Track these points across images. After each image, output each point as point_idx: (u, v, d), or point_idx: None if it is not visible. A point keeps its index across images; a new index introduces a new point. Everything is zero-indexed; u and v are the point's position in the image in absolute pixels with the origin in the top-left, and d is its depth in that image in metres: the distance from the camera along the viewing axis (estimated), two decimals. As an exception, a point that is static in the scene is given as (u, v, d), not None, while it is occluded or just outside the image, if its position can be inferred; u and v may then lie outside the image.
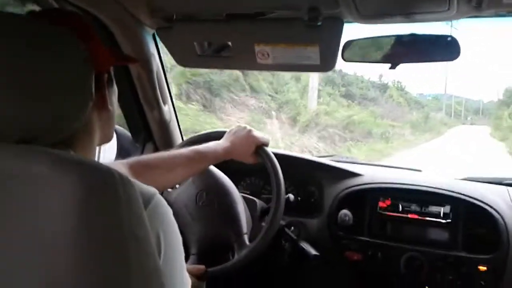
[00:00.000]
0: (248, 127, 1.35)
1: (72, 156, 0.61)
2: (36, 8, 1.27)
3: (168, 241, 0.66)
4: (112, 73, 0.82)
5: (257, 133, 1.34)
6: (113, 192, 0.56)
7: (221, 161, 1.28)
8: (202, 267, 1.13)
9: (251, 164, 1.35)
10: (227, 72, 9.58)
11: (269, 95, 11.80)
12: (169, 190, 1.43)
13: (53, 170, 0.55)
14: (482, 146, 16.19)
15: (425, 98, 32.91)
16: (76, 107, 0.66)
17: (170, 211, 0.70)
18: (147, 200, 0.64)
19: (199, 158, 1.22)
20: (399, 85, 24.75)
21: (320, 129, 11.67)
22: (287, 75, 12.49)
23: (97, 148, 0.82)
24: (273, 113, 11.21)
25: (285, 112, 11.81)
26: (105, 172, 0.57)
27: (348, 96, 17.26)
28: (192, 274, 0.99)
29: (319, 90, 14.25)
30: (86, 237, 0.53)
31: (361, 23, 1.17)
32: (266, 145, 1.35)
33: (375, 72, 24.10)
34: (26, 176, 0.55)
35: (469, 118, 38.29)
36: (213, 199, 1.37)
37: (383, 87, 22.60)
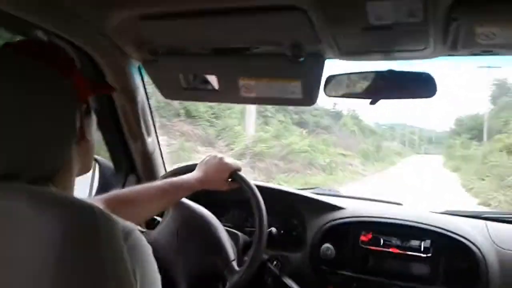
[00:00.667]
0: (220, 155, 1.36)
1: (52, 193, 0.60)
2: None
3: (144, 279, 0.65)
4: (89, 102, 0.81)
5: (228, 159, 1.35)
6: (94, 230, 0.56)
7: (195, 191, 1.28)
8: None
9: (229, 193, 1.36)
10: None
11: (207, 121, 11.29)
12: (146, 230, 1.41)
13: (33, 208, 0.55)
14: (435, 177, 16.26)
15: (381, 127, 33.65)
16: (61, 142, 0.67)
17: (149, 249, 0.69)
18: (126, 235, 0.63)
19: (173, 190, 1.23)
20: (354, 114, 25.21)
21: (255, 159, 11.15)
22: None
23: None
24: (213, 140, 10.82)
25: (224, 139, 11.31)
26: (86, 209, 0.57)
27: (300, 124, 17.06)
28: None
29: (268, 117, 13.95)
30: (66, 277, 0.52)
31: (342, 59, 1.21)
32: (239, 170, 1.35)
33: (329, 100, 24.54)
34: (6, 214, 0.55)
35: (423, 148, 39.03)
36: (194, 232, 1.35)
37: (338, 115, 22.93)
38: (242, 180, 1.34)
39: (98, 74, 1.40)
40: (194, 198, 1.38)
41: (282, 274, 1.45)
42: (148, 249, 0.69)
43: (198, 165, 1.34)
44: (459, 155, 20.77)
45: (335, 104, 22.99)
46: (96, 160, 1.72)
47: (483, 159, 15.62)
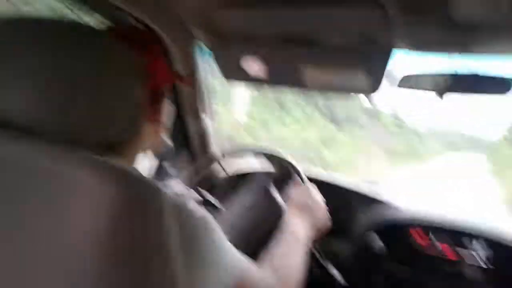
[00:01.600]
0: None
1: (116, 165, 0.60)
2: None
3: (199, 249, 0.67)
4: (165, 88, 0.85)
5: None
6: (157, 206, 0.57)
7: None
8: None
9: None
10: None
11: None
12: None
13: (93, 176, 0.55)
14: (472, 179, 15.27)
15: (426, 131, 32.26)
16: (126, 116, 0.69)
17: (203, 219, 0.70)
18: (180, 208, 0.65)
19: None
20: (395, 114, 24.18)
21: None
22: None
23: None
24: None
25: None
26: (148, 183, 0.58)
27: (332, 119, 16.66)
28: None
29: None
30: (114, 248, 0.53)
31: (413, 51, 1.16)
32: None
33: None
34: (64, 179, 0.56)
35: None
36: None
37: (376, 113, 21.88)
38: (288, 163, 1.37)
39: (166, 56, 1.43)
40: None
41: (327, 263, 1.44)
42: (203, 220, 0.69)
43: None
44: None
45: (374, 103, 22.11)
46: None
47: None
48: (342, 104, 18.08)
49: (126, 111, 0.68)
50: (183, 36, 1.39)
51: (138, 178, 0.58)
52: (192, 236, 0.66)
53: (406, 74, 1.19)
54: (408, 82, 1.19)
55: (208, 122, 1.75)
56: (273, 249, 1.03)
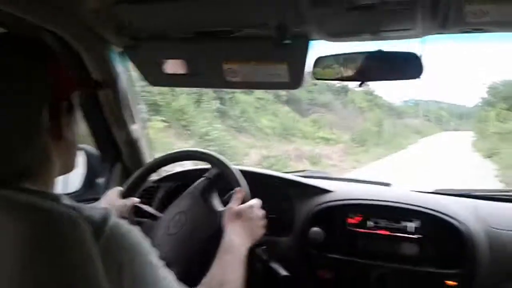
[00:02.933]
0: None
1: (16, 197, 0.60)
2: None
3: (133, 261, 0.65)
4: (72, 99, 0.77)
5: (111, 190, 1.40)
6: (59, 235, 0.57)
7: None
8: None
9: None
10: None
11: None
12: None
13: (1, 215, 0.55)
14: (461, 160, 12.51)
15: (403, 104, 29.78)
16: (27, 142, 0.65)
17: (131, 230, 0.68)
18: (100, 229, 0.62)
19: None
20: (368, 89, 20.93)
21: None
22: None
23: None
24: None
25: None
26: (50, 212, 0.58)
27: (289, 101, 14.99)
28: None
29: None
30: (32, 282, 0.53)
31: (328, 41, 1.18)
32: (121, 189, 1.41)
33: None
34: None
35: (452, 124, 33.72)
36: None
37: (343, 91, 19.27)
38: (224, 166, 1.33)
39: (80, 64, 1.37)
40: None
41: (270, 259, 1.45)
42: (130, 232, 0.68)
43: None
44: (495, 131, 15.46)
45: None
46: (81, 149, 1.70)
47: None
48: (309, 89, 16.48)
49: (26, 135, 0.65)
50: (93, 41, 1.33)
51: (47, 211, 0.58)
52: (116, 261, 0.63)
53: (320, 55, 1.21)
54: (323, 63, 1.21)
55: (138, 131, 1.69)
56: (211, 269, 1.02)
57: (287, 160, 10.57)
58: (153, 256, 0.70)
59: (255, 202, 1.24)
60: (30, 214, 0.57)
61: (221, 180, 1.35)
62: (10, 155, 0.64)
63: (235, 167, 1.37)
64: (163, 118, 9.56)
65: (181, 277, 0.81)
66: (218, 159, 1.36)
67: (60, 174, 0.77)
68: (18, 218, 0.55)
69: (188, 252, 1.29)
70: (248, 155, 10.24)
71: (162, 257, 1.24)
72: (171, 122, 10.07)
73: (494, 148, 13.22)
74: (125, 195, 1.40)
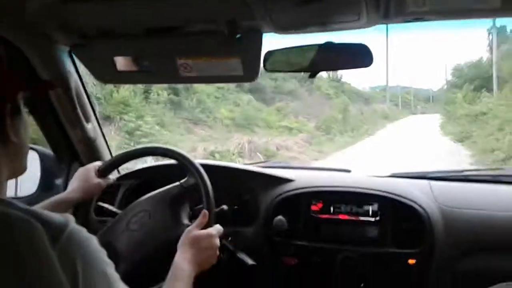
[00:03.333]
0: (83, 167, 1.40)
1: None
2: None
3: (87, 271, 0.63)
4: (17, 101, 0.74)
5: (87, 166, 1.40)
6: (12, 237, 0.56)
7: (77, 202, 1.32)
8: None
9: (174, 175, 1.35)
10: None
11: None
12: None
13: None
14: (428, 145, 11.83)
15: (370, 90, 30.04)
16: None
17: (88, 240, 0.67)
18: (55, 235, 0.61)
19: (53, 209, 1.21)
20: (334, 76, 21.06)
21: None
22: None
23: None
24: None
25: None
26: (3, 216, 0.57)
27: (251, 90, 14.41)
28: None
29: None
30: None
31: (279, 33, 1.19)
32: (100, 165, 1.40)
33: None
34: None
35: (419, 108, 33.17)
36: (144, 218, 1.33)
37: (308, 78, 17.05)
38: (178, 155, 1.32)
39: (27, 65, 1.31)
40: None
41: (236, 249, 1.46)
42: (88, 240, 0.67)
43: (70, 182, 1.37)
44: (464, 113, 14.73)
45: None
46: (35, 150, 1.65)
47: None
48: (273, 76, 15.73)
49: None
50: (40, 40, 1.28)
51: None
52: (81, 253, 0.63)
53: (269, 50, 1.22)
54: (275, 57, 1.22)
55: (93, 129, 1.65)
56: None
57: (234, 157, 9.88)
58: (109, 268, 0.69)
59: (215, 231, 1.22)
60: None
61: (195, 192, 1.33)
62: None
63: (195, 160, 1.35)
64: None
65: (128, 275, 0.81)
66: (197, 170, 1.31)
67: (9, 178, 0.74)
68: None
69: (142, 251, 1.29)
70: (195, 150, 9.65)
71: (116, 250, 1.26)
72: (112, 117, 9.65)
73: (466, 131, 12.64)
74: (101, 173, 1.38)
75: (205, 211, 1.23)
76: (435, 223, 1.48)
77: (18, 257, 0.56)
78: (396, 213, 1.52)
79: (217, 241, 1.22)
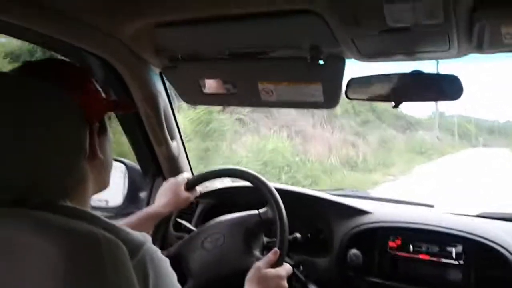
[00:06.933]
0: (171, 179, 1.44)
1: (55, 220, 0.61)
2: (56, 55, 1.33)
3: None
4: (104, 120, 0.80)
5: (177, 177, 1.44)
6: (97, 256, 0.57)
7: (164, 216, 1.36)
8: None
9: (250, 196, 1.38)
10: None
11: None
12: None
13: (36, 236, 0.56)
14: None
15: (425, 117, 24.31)
16: (67, 163, 0.67)
17: (162, 260, 0.69)
18: (133, 251, 0.63)
19: (142, 222, 1.28)
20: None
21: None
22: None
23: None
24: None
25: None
26: (88, 235, 0.58)
27: None
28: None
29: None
30: None
31: (362, 61, 1.17)
32: (189, 178, 1.45)
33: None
34: (10, 242, 0.56)
35: (480, 140, 28.12)
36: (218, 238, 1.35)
37: None
38: (261, 183, 1.33)
39: (121, 84, 1.42)
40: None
41: (308, 280, 1.43)
42: (161, 261, 0.68)
43: (157, 195, 1.41)
44: None
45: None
46: (124, 164, 1.76)
47: None
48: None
49: (67, 157, 0.67)
50: (135, 63, 1.38)
51: (84, 231, 0.58)
52: (154, 271, 0.65)
53: (353, 77, 1.20)
54: (358, 85, 1.20)
55: (176, 147, 1.73)
56: None
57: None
58: None
59: (284, 272, 1.20)
60: (69, 237, 0.57)
61: (271, 225, 1.33)
62: (52, 178, 0.65)
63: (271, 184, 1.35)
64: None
65: None
66: (277, 204, 1.31)
67: (94, 193, 0.80)
68: (55, 241, 0.56)
69: (211, 272, 1.31)
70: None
71: (188, 265, 1.28)
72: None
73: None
74: (190, 186, 1.42)
75: (276, 250, 1.22)
76: None
77: (102, 275, 0.57)
78: (483, 257, 1.38)
79: (285, 283, 1.19)
